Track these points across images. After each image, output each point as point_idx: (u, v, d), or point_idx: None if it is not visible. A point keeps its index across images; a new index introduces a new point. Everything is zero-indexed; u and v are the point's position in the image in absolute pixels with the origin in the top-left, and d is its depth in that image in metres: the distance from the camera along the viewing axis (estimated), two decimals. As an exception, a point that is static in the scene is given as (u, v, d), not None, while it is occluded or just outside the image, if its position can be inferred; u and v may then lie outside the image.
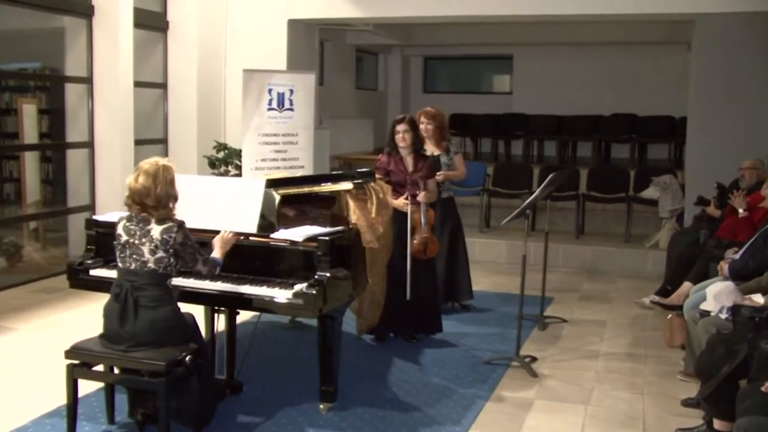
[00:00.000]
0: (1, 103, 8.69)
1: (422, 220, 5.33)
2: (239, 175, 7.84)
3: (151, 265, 3.61)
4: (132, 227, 3.65)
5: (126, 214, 3.74)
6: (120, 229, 3.68)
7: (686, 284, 5.82)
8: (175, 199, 3.69)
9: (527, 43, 13.71)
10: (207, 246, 3.95)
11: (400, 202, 5.33)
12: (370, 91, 15.19)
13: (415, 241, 5.33)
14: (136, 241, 3.62)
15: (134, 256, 3.62)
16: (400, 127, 5.46)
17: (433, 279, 5.69)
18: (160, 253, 3.60)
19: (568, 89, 14.02)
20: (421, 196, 5.33)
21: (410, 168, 5.49)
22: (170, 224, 3.63)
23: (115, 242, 3.71)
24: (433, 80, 16.37)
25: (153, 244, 3.60)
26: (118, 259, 3.70)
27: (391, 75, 15.73)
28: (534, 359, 5.27)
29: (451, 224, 6.31)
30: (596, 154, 12.74)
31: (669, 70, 13.18)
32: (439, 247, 5.63)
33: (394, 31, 12.43)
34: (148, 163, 3.67)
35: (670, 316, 5.42)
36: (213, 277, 3.97)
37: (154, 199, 3.60)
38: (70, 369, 3.70)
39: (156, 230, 3.61)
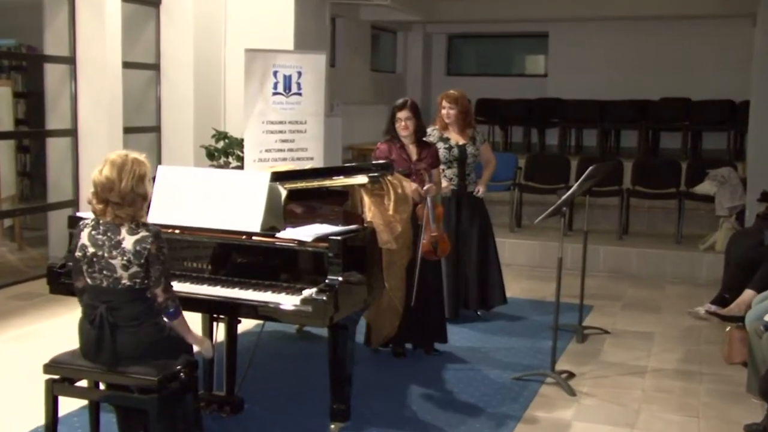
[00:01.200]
0: (-28, 86, 8.77)
1: (429, 216, 5.31)
2: (241, 167, 7.86)
3: (125, 281, 3.51)
4: (99, 237, 3.52)
5: (89, 218, 3.63)
6: (84, 238, 3.55)
7: (748, 292, 5.76)
8: (144, 198, 3.57)
9: (564, 18, 13.64)
10: (201, 246, 3.95)
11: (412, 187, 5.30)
12: (387, 74, 15.18)
13: (423, 241, 5.31)
14: (105, 254, 3.50)
15: (105, 272, 3.51)
16: (402, 114, 5.41)
17: (440, 283, 5.69)
18: (135, 268, 3.50)
19: (610, 71, 13.92)
20: (426, 189, 5.31)
21: (414, 157, 5.47)
22: (144, 234, 3.51)
23: (78, 253, 3.58)
24: (457, 61, 16.33)
25: (125, 258, 3.49)
26: (85, 274, 3.57)
27: (411, 55, 15.70)
28: (571, 375, 5.25)
29: (479, 222, 6.34)
30: (643, 144, 12.66)
31: (729, 47, 13.05)
32: (450, 246, 5.62)
33: (414, 6, 12.41)
34: (115, 154, 3.57)
35: (728, 328, 5.37)
36: (205, 282, 3.97)
37: (118, 195, 3.47)
38: (50, 385, 3.68)
39: (128, 241, 3.49)
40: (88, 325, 3.59)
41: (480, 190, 6.34)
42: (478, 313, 6.56)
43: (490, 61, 16.28)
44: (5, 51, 8.81)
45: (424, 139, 5.64)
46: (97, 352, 3.56)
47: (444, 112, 6.19)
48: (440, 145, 6.13)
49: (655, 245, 8.62)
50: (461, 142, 6.21)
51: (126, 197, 3.49)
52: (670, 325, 6.55)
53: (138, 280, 3.54)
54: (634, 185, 9.32)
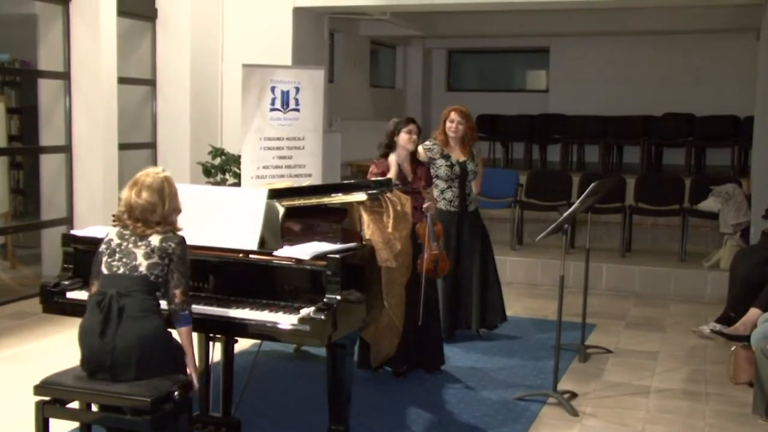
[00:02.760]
0: (-35, 102, 8.78)
1: (429, 234, 5.34)
2: (238, 184, 7.87)
3: (142, 269, 3.64)
4: (127, 232, 3.72)
5: (86, 234, 3.84)
6: (112, 234, 3.75)
7: (754, 311, 5.75)
8: (179, 212, 3.80)
9: (566, 33, 13.71)
10: (198, 265, 3.94)
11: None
12: (386, 89, 15.23)
13: (423, 262, 5.35)
14: (130, 245, 3.68)
15: (124, 260, 3.66)
16: (412, 128, 5.52)
17: (434, 303, 5.69)
18: (155, 259, 3.66)
19: (612, 86, 13.98)
20: (425, 207, 5.34)
21: (410, 176, 5.52)
22: (171, 235, 3.72)
23: (102, 248, 3.74)
24: (458, 77, 16.40)
25: (149, 248, 3.66)
26: (103, 266, 3.70)
27: (411, 71, 15.76)
28: (574, 395, 5.23)
29: (480, 241, 6.35)
30: (646, 160, 12.68)
31: (733, 62, 13.11)
32: (450, 264, 5.63)
33: (414, 21, 12.46)
34: (149, 176, 3.75)
35: (734, 347, 5.36)
36: (201, 300, 3.97)
37: (160, 216, 3.70)
38: (40, 407, 3.67)
39: (155, 238, 3.69)
40: (93, 315, 3.62)
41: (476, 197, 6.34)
42: (479, 332, 6.54)
43: (491, 77, 16.35)
44: (-1, 66, 8.84)
45: (424, 151, 5.67)
46: (102, 336, 3.57)
47: (452, 126, 6.17)
48: (441, 162, 6.15)
49: (659, 263, 8.60)
50: (462, 158, 6.22)
51: (167, 218, 3.73)
52: (675, 345, 6.53)
53: (155, 273, 3.66)
54: (637, 202, 9.31)
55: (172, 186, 3.78)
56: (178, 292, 3.71)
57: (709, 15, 11.55)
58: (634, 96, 13.66)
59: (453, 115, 6.19)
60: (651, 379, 5.69)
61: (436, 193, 6.08)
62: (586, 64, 14.36)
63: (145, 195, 3.69)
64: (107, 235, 3.78)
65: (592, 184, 5.54)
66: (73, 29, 7.77)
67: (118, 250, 3.69)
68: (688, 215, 8.89)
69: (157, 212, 3.69)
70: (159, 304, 3.72)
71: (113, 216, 3.82)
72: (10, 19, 8.50)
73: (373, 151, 12.64)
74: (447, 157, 6.20)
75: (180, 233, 3.77)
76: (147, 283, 3.65)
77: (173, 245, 3.69)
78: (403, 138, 5.50)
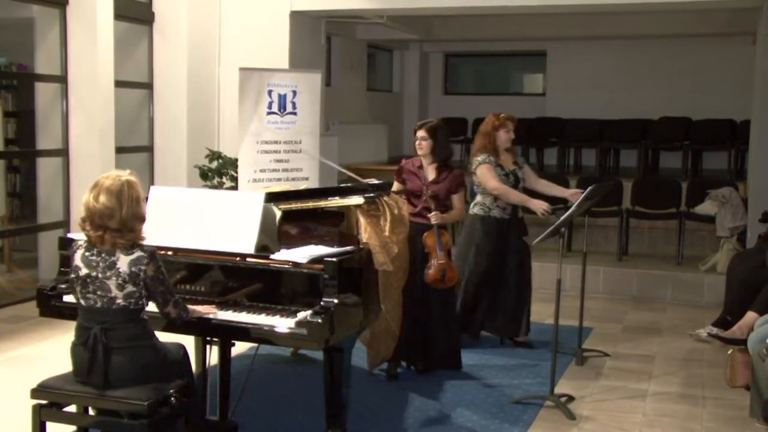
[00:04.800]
0: (-39, 105, 8.78)
1: (437, 243, 5.36)
2: (235, 187, 7.85)
3: (120, 301, 3.53)
4: (92, 258, 3.54)
5: (81, 239, 3.64)
6: (77, 260, 3.57)
7: (750, 314, 5.75)
8: (142, 220, 3.61)
9: (562, 37, 13.70)
10: (195, 268, 3.94)
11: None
12: (383, 93, 15.22)
13: (430, 270, 5.38)
14: (99, 275, 3.52)
15: (99, 293, 3.53)
16: (419, 134, 5.59)
17: (451, 308, 5.71)
18: (130, 288, 3.53)
19: (609, 90, 13.98)
20: (433, 218, 5.36)
21: (430, 178, 5.53)
22: (139, 254, 3.54)
23: (72, 275, 3.61)
24: (455, 80, 16.39)
25: (120, 278, 3.51)
26: (78, 295, 3.60)
27: (408, 74, 15.75)
28: (571, 399, 5.23)
29: (524, 250, 6.27)
30: (642, 163, 12.68)
31: (729, 66, 13.11)
32: (458, 274, 5.65)
33: (411, 25, 12.46)
34: (109, 179, 3.57)
35: (731, 351, 5.36)
36: (198, 304, 3.97)
37: (119, 222, 3.51)
38: (37, 410, 3.67)
39: (123, 261, 3.52)
40: (80, 348, 3.58)
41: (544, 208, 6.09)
42: (503, 341, 6.49)
43: (488, 80, 16.35)
44: (-5, 70, 8.84)
45: (489, 166, 5.78)
46: (89, 374, 3.56)
47: (506, 135, 6.17)
48: (498, 171, 6.09)
49: (656, 266, 8.62)
50: (511, 167, 6.22)
51: (126, 224, 3.53)
52: (672, 348, 6.54)
53: (133, 300, 3.55)
54: (634, 205, 9.33)
55: (133, 189, 3.58)
56: (169, 309, 3.69)
57: (706, 19, 11.56)
58: (631, 100, 13.65)
59: (510, 124, 6.19)
60: (648, 382, 5.70)
61: (488, 201, 6.11)
62: (583, 68, 14.36)
63: (102, 199, 3.50)
64: (73, 258, 3.59)
65: (590, 188, 5.55)
66: (70, 33, 7.77)
67: (89, 280, 3.53)
68: (684, 219, 8.90)
69: (115, 217, 3.49)
70: (145, 324, 3.63)
71: (79, 223, 3.63)
72: (8, 22, 8.51)
73: (369, 154, 12.78)
74: (501, 167, 6.17)
75: (144, 242, 3.60)
76: (128, 311, 3.55)
77: (143, 267, 3.53)
78: (416, 144, 5.59)
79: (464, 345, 6.03)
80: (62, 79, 7.82)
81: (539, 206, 5.95)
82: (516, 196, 6.11)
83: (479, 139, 6.29)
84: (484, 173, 6.07)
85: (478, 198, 6.24)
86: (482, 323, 6.34)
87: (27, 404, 3.71)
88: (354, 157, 11.90)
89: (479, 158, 6.13)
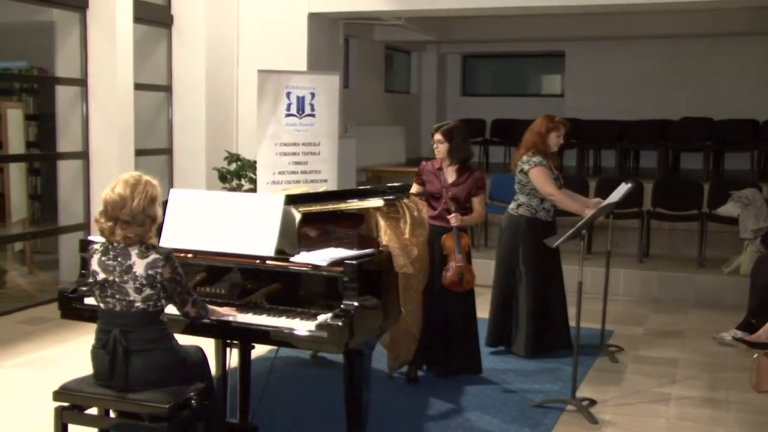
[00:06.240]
0: (-17, 108, 8.84)
1: (455, 246, 5.33)
2: (253, 189, 7.88)
3: (139, 304, 3.55)
4: (109, 262, 3.57)
5: (98, 243, 3.67)
6: (94, 265, 3.61)
7: (775, 318, 5.70)
8: (153, 220, 3.63)
9: (581, 37, 13.66)
10: (215, 271, 3.94)
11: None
12: (401, 95, 15.23)
13: (448, 273, 5.36)
14: (117, 279, 3.55)
15: (117, 297, 3.56)
16: (435, 137, 5.57)
17: (469, 311, 5.67)
18: (148, 291, 3.55)
19: (629, 90, 13.93)
20: (453, 220, 5.33)
21: (449, 180, 5.51)
22: (155, 257, 3.56)
23: (90, 280, 3.66)
24: (473, 81, 16.38)
25: (137, 282, 3.53)
26: (97, 299, 3.64)
27: (426, 76, 15.75)
28: (593, 402, 5.19)
29: (558, 254, 6.17)
30: (663, 164, 12.61)
31: (751, 65, 13.03)
32: (475, 277, 5.56)
33: (428, 26, 12.46)
34: (128, 174, 3.65)
35: (756, 355, 5.31)
36: (218, 307, 3.97)
37: (129, 213, 3.53)
38: (59, 412, 3.69)
39: (139, 265, 3.54)
40: (101, 351, 3.60)
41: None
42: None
43: (506, 81, 16.32)
44: (17, 73, 8.89)
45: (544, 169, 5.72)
46: (110, 377, 3.57)
47: (556, 139, 6.06)
48: (550, 175, 6.02)
49: (677, 268, 8.55)
50: (555, 172, 6.16)
51: (136, 217, 3.55)
52: (695, 351, 6.47)
53: (151, 303, 3.57)
54: (655, 207, 9.25)
55: (150, 187, 3.61)
56: (188, 308, 3.71)
57: (726, 18, 11.48)
58: (650, 100, 13.59)
59: (562, 129, 6.09)
60: (671, 386, 5.64)
61: (534, 202, 6.02)
62: (602, 68, 14.31)
63: (118, 189, 3.56)
64: (90, 263, 3.63)
65: (607, 203, 5.47)
66: (90, 36, 7.82)
67: (106, 284, 3.56)
68: (706, 220, 8.82)
69: (126, 208, 3.52)
70: (165, 327, 3.66)
71: (95, 217, 3.68)
72: (28, 26, 8.56)
73: (387, 156, 12.77)
74: (551, 170, 6.07)
75: (159, 247, 3.63)
76: (146, 314, 3.57)
77: (159, 270, 3.54)
78: (433, 146, 5.57)
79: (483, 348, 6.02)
80: (82, 83, 7.87)
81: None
82: (573, 205, 6.04)
83: (529, 138, 6.11)
84: (540, 176, 5.93)
85: (522, 199, 6.07)
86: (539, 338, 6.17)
87: (48, 406, 3.73)
88: (372, 159, 11.92)
89: (535, 159, 5.97)
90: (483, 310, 6.08)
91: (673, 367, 6.07)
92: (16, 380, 5.53)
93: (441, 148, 5.52)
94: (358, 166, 10.86)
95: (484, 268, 7.08)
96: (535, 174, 5.95)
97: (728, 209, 8.62)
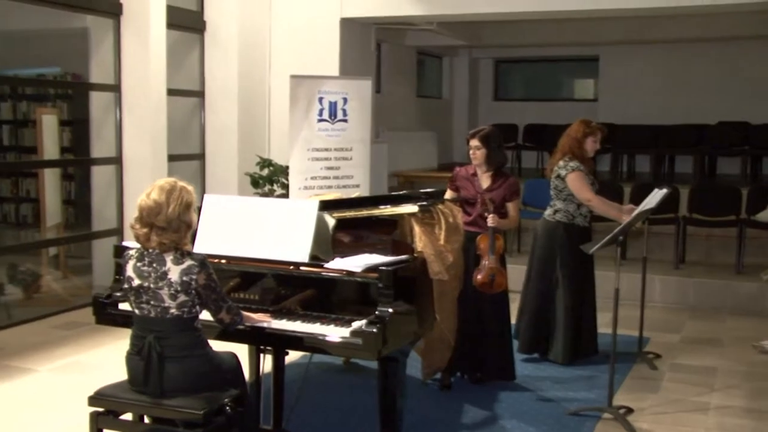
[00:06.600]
0: (18, 114, 8.94)
1: (489, 247, 5.28)
2: (285, 195, 7.89)
3: (173, 311, 3.56)
4: (144, 268, 3.57)
5: (134, 248, 3.69)
6: (129, 271, 3.61)
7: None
8: (188, 226, 3.63)
9: (615, 41, 13.57)
10: (248, 277, 3.93)
11: None
12: (433, 100, 15.20)
13: (479, 274, 5.31)
14: (152, 285, 3.55)
15: (152, 303, 3.56)
16: (472, 143, 5.50)
17: (504, 316, 5.62)
18: (182, 297, 3.55)
19: (663, 94, 13.80)
20: (490, 220, 5.28)
21: (484, 186, 5.47)
22: (190, 263, 3.56)
23: (125, 285, 3.67)
24: (505, 86, 16.32)
25: (172, 288, 3.53)
26: (132, 305, 3.65)
27: (458, 81, 15.72)
28: (630, 411, 5.11)
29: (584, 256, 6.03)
30: (699, 169, 12.47)
31: (789, 68, 12.85)
32: (506, 280, 5.46)
33: (460, 31, 12.43)
34: (164, 180, 3.66)
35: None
36: (251, 313, 3.96)
37: (164, 219, 3.53)
38: (94, 418, 3.70)
39: (174, 272, 3.54)
40: (135, 357, 3.61)
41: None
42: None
43: (538, 86, 16.24)
44: (51, 79, 8.98)
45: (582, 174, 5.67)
46: (145, 384, 3.58)
47: (593, 145, 6.02)
48: (587, 180, 5.96)
49: (714, 275, 8.43)
50: (591, 176, 6.11)
51: (171, 223, 3.55)
52: (734, 360, 6.37)
53: (186, 309, 3.57)
54: (691, 212, 9.14)
55: (186, 193, 3.61)
56: (223, 315, 3.70)
57: (763, 20, 11.32)
58: (686, 104, 13.45)
59: (599, 134, 6.05)
60: (710, 395, 5.55)
61: (571, 208, 5.98)
62: (637, 72, 14.19)
63: (154, 195, 3.56)
64: (125, 269, 3.64)
65: (641, 210, 5.40)
66: (124, 42, 7.87)
67: (142, 291, 3.57)
68: (744, 226, 8.70)
69: (161, 214, 3.52)
70: (199, 334, 3.65)
71: (131, 224, 3.68)
72: (63, 32, 8.64)
73: (419, 161, 12.74)
74: (588, 176, 6.02)
75: (194, 253, 3.63)
76: (181, 321, 3.57)
77: (194, 276, 3.54)
78: (470, 153, 5.53)
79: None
80: (116, 88, 7.92)
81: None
82: (611, 210, 5.97)
83: (565, 143, 6.06)
84: (578, 181, 5.88)
85: (559, 205, 6.02)
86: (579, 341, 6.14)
87: (83, 410, 3.74)
88: (403, 164, 11.90)
89: (572, 164, 5.92)
90: (513, 316, 6.02)
91: (711, 375, 5.97)
92: (52, 385, 5.57)
93: (478, 154, 5.46)
94: (389, 172, 10.85)
95: (517, 274, 7.01)
96: (572, 179, 5.89)
97: (767, 215, 8.49)
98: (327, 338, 3.85)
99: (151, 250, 3.60)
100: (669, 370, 6.05)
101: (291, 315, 4.02)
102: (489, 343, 5.55)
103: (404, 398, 4.28)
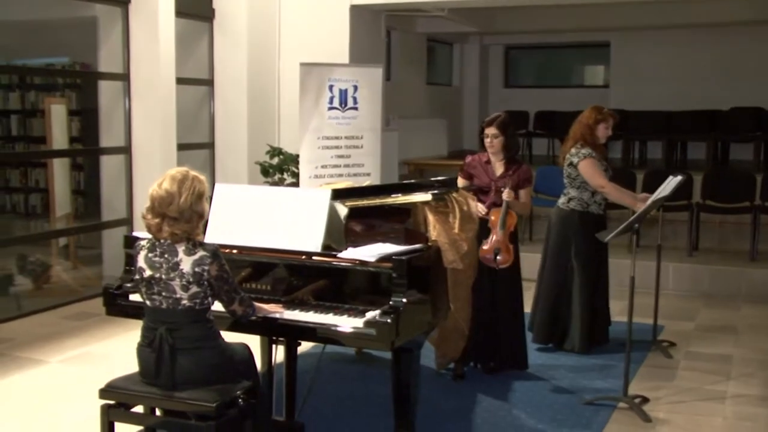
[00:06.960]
0: (27, 104, 8.94)
1: (500, 221, 5.20)
2: (296, 183, 7.85)
3: (185, 302, 3.52)
4: (156, 259, 3.53)
5: (145, 239, 3.64)
6: (141, 261, 3.57)
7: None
8: (200, 216, 3.58)
9: (627, 27, 13.46)
10: (260, 267, 3.89)
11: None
12: (443, 87, 15.13)
13: (485, 246, 5.21)
14: (163, 276, 3.51)
15: (164, 294, 3.52)
16: (489, 131, 5.40)
17: (518, 305, 5.57)
18: (194, 288, 3.51)
19: (675, 80, 13.69)
20: (505, 194, 5.24)
21: (498, 173, 5.41)
22: (202, 254, 3.51)
23: (136, 276, 3.63)
24: (515, 73, 16.24)
25: (184, 279, 3.49)
26: (143, 296, 3.62)
27: (468, 68, 15.64)
28: (645, 400, 5.06)
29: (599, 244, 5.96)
30: (712, 156, 12.38)
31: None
32: (512, 258, 5.35)
33: (471, 17, 12.34)
34: (176, 170, 3.61)
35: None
36: (263, 303, 3.92)
37: (176, 210, 3.48)
38: (105, 410, 3.67)
39: (186, 262, 3.50)
40: (147, 349, 3.58)
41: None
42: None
43: (549, 73, 16.17)
44: (60, 69, 8.95)
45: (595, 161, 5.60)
46: (156, 376, 3.55)
47: (605, 131, 5.96)
48: (600, 167, 5.91)
49: (728, 262, 8.36)
50: (604, 163, 6.05)
51: (184, 213, 3.50)
52: (750, 348, 6.31)
53: (198, 301, 3.53)
54: (705, 199, 9.07)
55: (198, 183, 3.56)
56: (235, 306, 3.66)
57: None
58: (698, 90, 13.34)
59: (611, 120, 5.98)
60: (726, 384, 5.49)
61: (585, 196, 5.92)
62: (648, 58, 14.08)
63: (165, 185, 3.51)
64: (137, 260, 3.59)
65: (656, 198, 5.33)
66: (132, 31, 7.83)
67: (153, 282, 3.53)
68: (759, 213, 8.62)
69: (173, 204, 3.47)
70: (211, 326, 3.61)
71: (142, 213, 3.63)
72: (71, 21, 8.61)
73: (430, 149, 12.69)
74: (601, 162, 5.96)
75: (206, 243, 3.58)
76: (193, 312, 3.53)
77: (207, 267, 3.50)
78: (485, 142, 5.44)
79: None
80: (124, 77, 7.88)
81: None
82: (624, 197, 5.93)
83: (577, 129, 5.99)
84: (590, 168, 5.82)
85: (573, 192, 5.96)
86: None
87: (95, 402, 3.70)
88: (414, 152, 11.85)
89: (584, 151, 5.86)
90: (527, 305, 5.98)
91: (727, 363, 5.92)
92: (63, 376, 5.55)
93: (495, 143, 5.37)
94: (400, 160, 10.80)
95: (530, 262, 6.96)
96: (584, 166, 5.83)
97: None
98: (340, 329, 3.81)
99: (162, 241, 3.55)
100: (684, 359, 6.00)
101: (303, 305, 3.97)
102: (502, 331, 5.50)
103: (418, 388, 4.24)
